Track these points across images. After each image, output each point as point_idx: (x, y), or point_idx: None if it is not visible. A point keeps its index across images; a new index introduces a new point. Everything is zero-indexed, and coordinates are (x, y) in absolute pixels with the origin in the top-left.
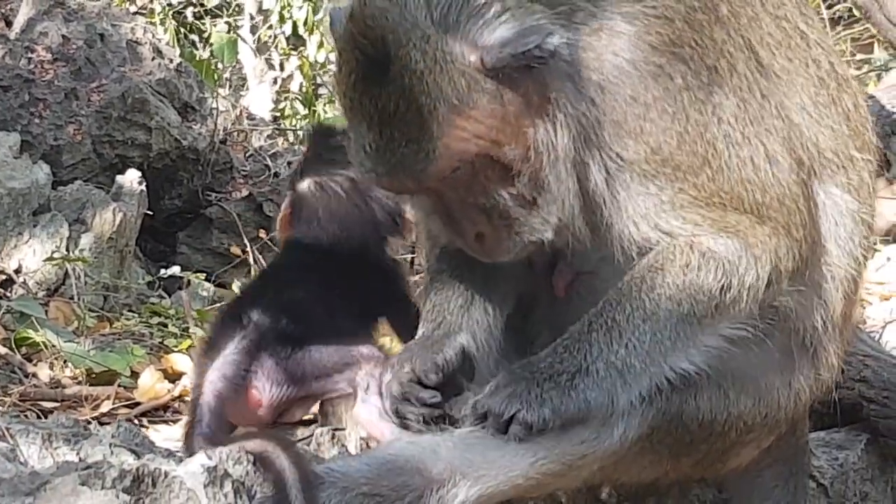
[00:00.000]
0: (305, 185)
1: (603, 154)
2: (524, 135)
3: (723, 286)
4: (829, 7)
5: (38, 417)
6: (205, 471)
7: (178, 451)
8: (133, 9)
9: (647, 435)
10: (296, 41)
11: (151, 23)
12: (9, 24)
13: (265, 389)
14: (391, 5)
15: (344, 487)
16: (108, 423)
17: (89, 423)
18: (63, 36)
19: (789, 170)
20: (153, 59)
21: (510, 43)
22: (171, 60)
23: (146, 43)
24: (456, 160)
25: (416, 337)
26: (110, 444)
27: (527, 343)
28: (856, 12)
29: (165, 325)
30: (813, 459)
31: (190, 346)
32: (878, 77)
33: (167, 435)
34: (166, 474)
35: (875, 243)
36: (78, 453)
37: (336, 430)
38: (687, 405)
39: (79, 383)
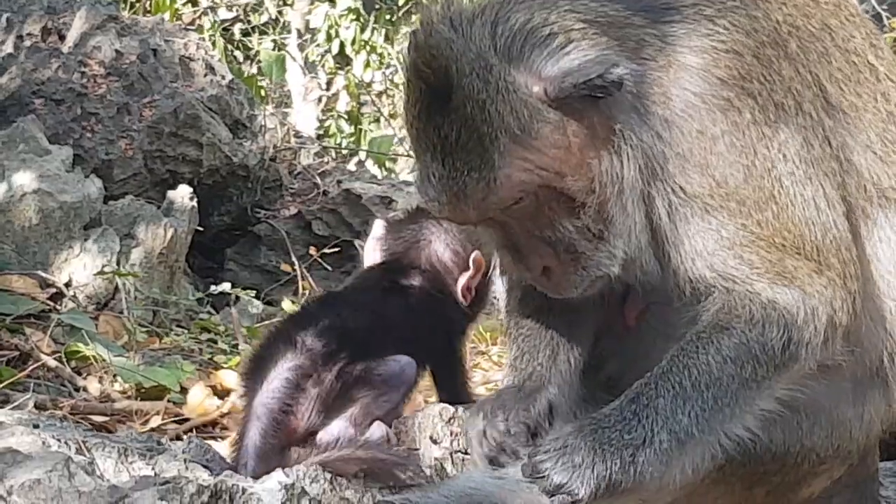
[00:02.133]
0: (400, 214)
1: (667, 187)
2: (589, 166)
3: (784, 343)
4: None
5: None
6: (282, 488)
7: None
8: (181, 25)
9: (720, 467)
10: (342, 60)
11: (202, 39)
12: (62, 38)
13: (304, 418)
14: (456, 35)
15: None
16: (177, 439)
17: (161, 438)
18: (116, 50)
19: (843, 216)
20: (205, 75)
21: (573, 73)
22: (223, 77)
23: (199, 59)
24: (518, 191)
25: (507, 383)
26: (185, 460)
27: (594, 371)
28: None
29: (215, 342)
30: (881, 490)
31: (239, 363)
32: None
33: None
34: (244, 490)
35: None
36: (153, 468)
37: (411, 450)
38: (760, 438)
39: (128, 398)
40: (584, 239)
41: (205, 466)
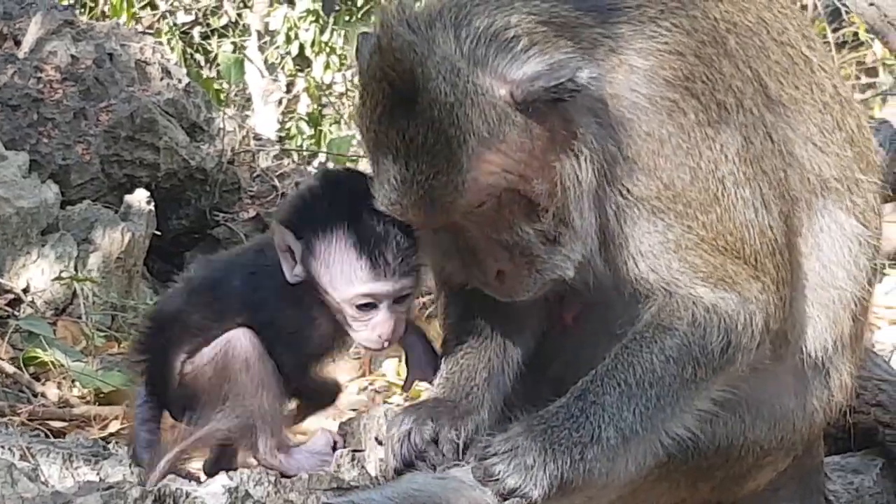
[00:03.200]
0: None
1: (615, 189)
2: (551, 169)
3: (723, 346)
4: (835, 31)
5: (47, 437)
6: (226, 491)
7: (195, 473)
8: (140, 28)
9: (663, 463)
10: (302, 62)
11: (159, 43)
12: (17, 43)
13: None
14: (419, 39)
15: None
16: (124, 443)
17: (107, 442)
18: (72, 55)
19: (780, 218)
20: (161, 79)
21: (541, 77)
22: (180, 80)
23: (155, 63)
24: (484, 194)
25: (442, 394)
26: (130, 464)
27: (540, 370)
28: (861, 36)
29: None
30: (828, 483)
31: None
32: (884, 100)
33: None
34: (188, 494)
35: (883, 267)
36: (98, 473)
37: (356, 451)
38: (703, 433)
39: (87, 403)
40: (541, 242)
41: None
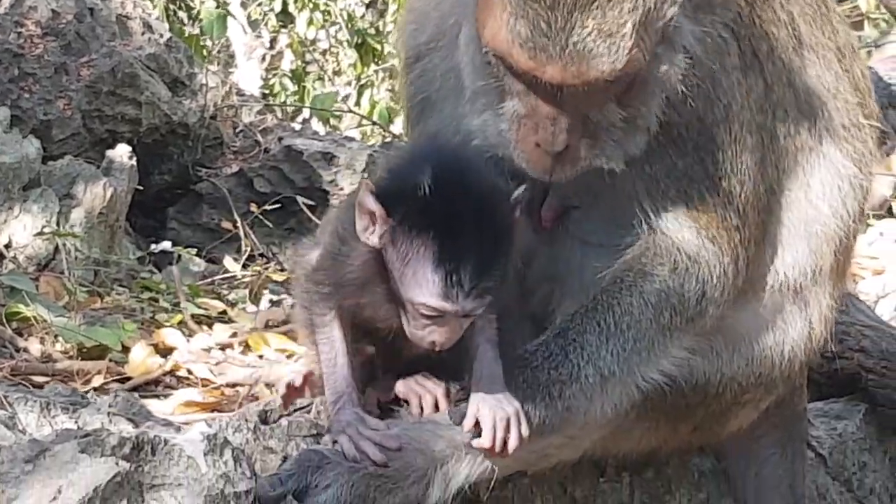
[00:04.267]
0: None
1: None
2: (659, 66)
3: (698, 297)
4: None
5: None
6: (204, 438)
7: (175, 422)
8: None
9: (641, 402)
10: (285, 18)
11: None
12: None
13: None
14: None
15: (350, 468)
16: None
17: (85, 392)
18: (52, 10)
19: (773, 172)
20: (143, 33)
21: None
22: (161, 35)
23: (136, 18)
24: (626, 70)
25: None
26: (108, 413)
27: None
28: None
29: (156, 300)
30: (811, 430)
31: (181, 322)
32: (869, 54)
33: (158, 409)
34: (166, 442)
35: (868, 218)
36: (76, 422)
37: None
38: (679, 371)
39: (70, 358)
40: (619, 128)
41: (129, 420)
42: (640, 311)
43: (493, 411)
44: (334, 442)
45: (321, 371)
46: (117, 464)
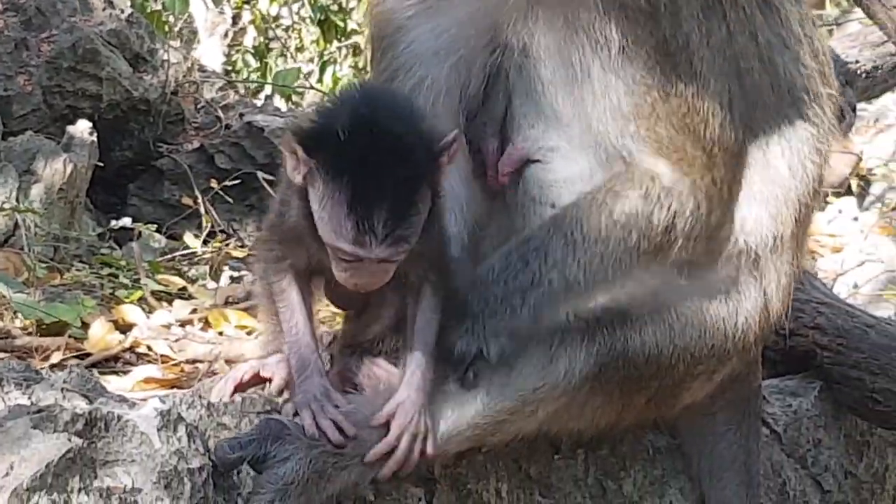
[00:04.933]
0: None
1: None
2: None
3: (667, 226)
4: None
5: None
6: (158, 414)
7: (130, 398)
8: None
9: (595, 374)
10: None
11: None
12: None
13: None
14: None
15: (310, 443)
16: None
17: (39, 368)
18: None
19: (739, 121)
20: (104, 9)
21: None
22: (123, 11)
23: None
24: None
25: None
26: (62, 389)
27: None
28: None
29: (116, 277)
30: (766, 406)
31: (141, 298)
32: (830, 33)
33: (118, 386)
34: (119, 418)
35: (826, 196)
36: (30, 397)
37: None
38: (631, 340)
39: (29, 334)
40: None
41: (84, 396)
42: (608, 229)
43: (404, 427)
44: (296, 413)
45: (284, 343)
46: (70, 440)
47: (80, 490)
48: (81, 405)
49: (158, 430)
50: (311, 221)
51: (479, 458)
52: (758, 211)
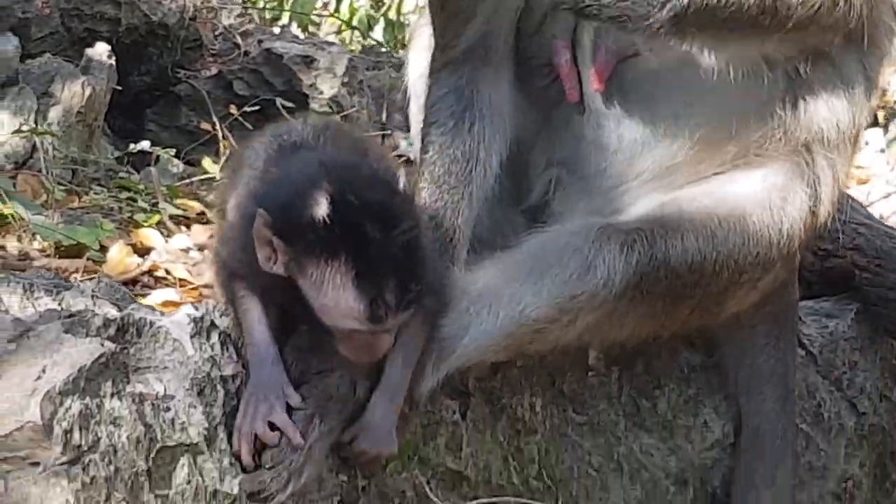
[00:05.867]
0: None
1: None
2: None
3: None
4: None
5: None
6: (191, 321)
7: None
8: None
9: (636, 283)
10: None
11: None
12: None
13: None
14: None
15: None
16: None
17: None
18: None
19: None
20: None
21: None
22: None
23: None
24: None
25: None
26: (92, 296)
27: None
28: None
29: (135, 201)
30: (802, 327)
31: (159, 222)
32: None
33: None
34: (151, 324)
35: None
36: (59, 304)
37: None
38: (673, 248)
39: (47, 256)
40: None
41: (113, 304)
42: None
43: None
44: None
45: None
46: (102, 345)
47: (112, 395)
48: (112, 311)
49: (191, 336)
50: (301, 303)
51: (513, 373)
52: (835, 104)
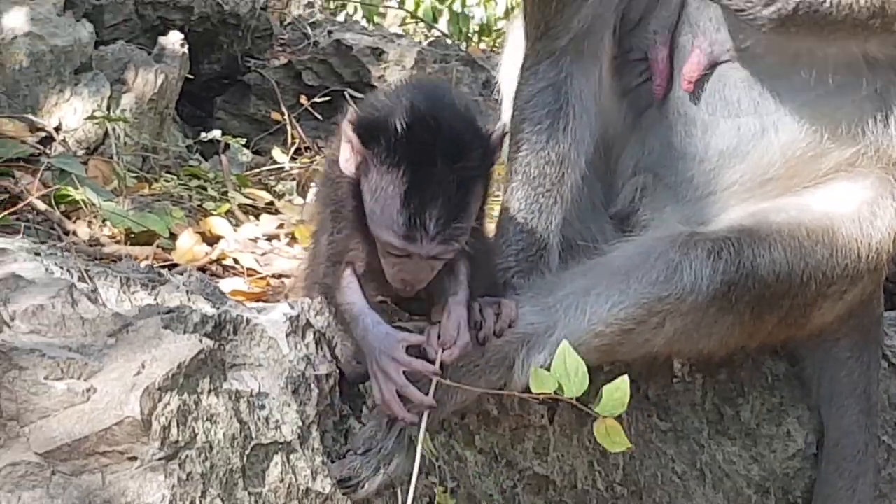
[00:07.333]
0: None
1: None
2: None
3: None
4: None
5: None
6: (287, 320)
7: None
8: None
9: (723, 293)
10: None
11: None
12: None
13: None
14: None
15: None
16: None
17: (162, 271)
18: None
19: None
20: None
21: None
22: None
23: None
24: None
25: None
26: (187, 291)
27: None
28: None
29: (204, 189)
30: (885, 339)
31: (228, 211)
32: None
33: None
34: (248, 321)
35: None
36: (156, 298)
37: None
38: (760, 257)
39: (117, 242)
40: None
41: (207, 299)
42: None
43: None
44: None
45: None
46: (201, 341)
47: (209, 392)
48: (207, 308)
49: (287, 335)
50: (361, 213)
51: (600, 378)
52: None
